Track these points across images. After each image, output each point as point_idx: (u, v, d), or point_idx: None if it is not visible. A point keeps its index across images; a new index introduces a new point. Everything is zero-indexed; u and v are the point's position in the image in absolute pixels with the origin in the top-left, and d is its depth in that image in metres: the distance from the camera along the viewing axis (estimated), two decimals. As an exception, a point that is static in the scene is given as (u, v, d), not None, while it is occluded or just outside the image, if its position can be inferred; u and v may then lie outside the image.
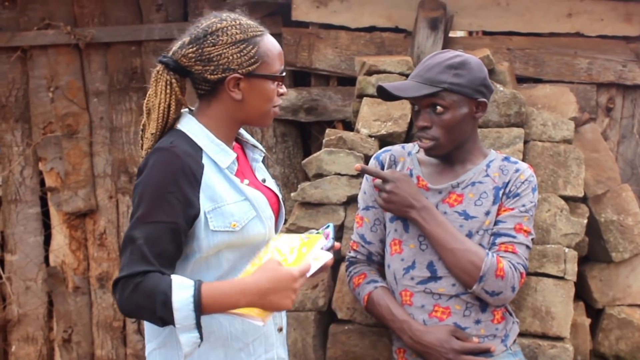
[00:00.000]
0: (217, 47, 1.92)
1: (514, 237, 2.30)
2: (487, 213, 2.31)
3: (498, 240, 2.31)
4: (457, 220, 2.31)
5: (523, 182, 2.33)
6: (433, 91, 2.23)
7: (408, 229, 2.36)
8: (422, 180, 2.38)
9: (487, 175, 2.35)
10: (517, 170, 2.36)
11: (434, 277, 2.32)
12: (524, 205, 2.31)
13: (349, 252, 2.64)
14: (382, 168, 2.48)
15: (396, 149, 2.53)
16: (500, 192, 2.33)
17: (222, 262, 1.96)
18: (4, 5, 4.12)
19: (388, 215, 2.42)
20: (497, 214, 2.32)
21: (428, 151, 2.32)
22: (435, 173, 2.39)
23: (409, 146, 2.51)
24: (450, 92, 2.23)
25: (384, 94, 2.33)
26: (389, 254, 2.42)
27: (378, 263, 2.56)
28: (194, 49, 1.93)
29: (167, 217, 1.82)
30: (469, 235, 2.30)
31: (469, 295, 2.31)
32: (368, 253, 2.55)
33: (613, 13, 3.65)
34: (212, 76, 1.93)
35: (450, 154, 2.35)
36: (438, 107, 2.24)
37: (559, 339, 2.86)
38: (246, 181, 2.02)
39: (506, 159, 2.41)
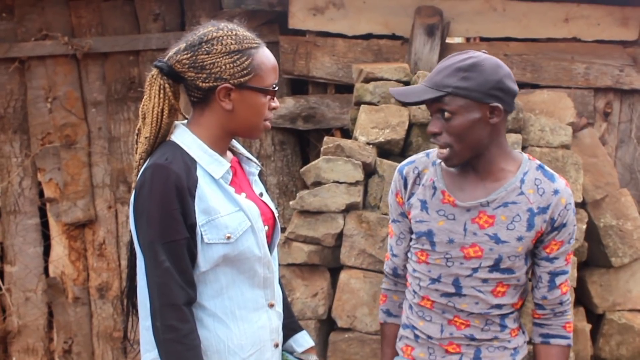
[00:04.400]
0: (210, 55, 1.93)
1: (567, 272, 2.29)
2: (520, 239, 2.19)
3: (558, 281, 2.29)
4: (487, 243, 2.20)
5: (565, 207, 2.19)
6: (436, 96, 2.10)
7: (435, 246, 2.26)
8: (448, 195, 2.23)
9: (522, 193, 2.18)
10: (555, 193, 2.19)
11: (459, 294, 2.27)
12: (570, 234, 2.23)
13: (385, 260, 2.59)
14: (405, 183, 2.35)
15: (420, 159, 2.36)
16: (538, 219, 2.18)
17: (219, 276, 1.96)
18: (1, 17, 4.13)
19: (414, 229, 2.31)
20: (546, 247, 2.24)
21: (445, 162, 2.18)
22: (463, 186, 2.23)
23: (434, 154, 2.32)
24: (455, 97, 2.09)
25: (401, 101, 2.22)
26: (416, 261, 2.33)
27: (403, 277, 2.49)
28: (188, 55, 1.94)
29: (179, 235, 1.88)
30: (499, 259, 2.21)
31: (491, 314, 2.28)
32: (394, 267, 2.48)
33: (610, 18, 3.66)
34: (204, 84, 1.94)
35: (473, 162, 2.19)
36: (446, 113, 2.11)
37: (559, 344, 2.85)
38: (243, 194, 2.02)
39: (540, 168, 2.23)
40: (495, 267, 2.23)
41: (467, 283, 2.25)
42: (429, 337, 2.33)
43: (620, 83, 3.68)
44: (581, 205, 3.15)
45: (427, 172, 2.32)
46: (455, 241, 2.24)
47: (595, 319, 3.26)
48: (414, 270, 2.35)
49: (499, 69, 2.15)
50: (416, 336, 2.37)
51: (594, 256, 3.24)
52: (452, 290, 2.27)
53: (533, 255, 2.29)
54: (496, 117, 2.14)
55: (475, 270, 2.24)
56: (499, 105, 2.12)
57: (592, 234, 3.17)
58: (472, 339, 2.30)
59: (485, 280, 2.25)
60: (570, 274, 2.87)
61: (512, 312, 2.32)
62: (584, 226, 3.04)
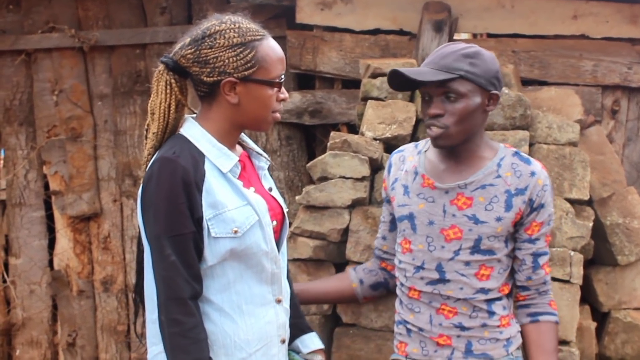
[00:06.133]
0: (213, 49, 1.92)
1: (547, 253, 2.38)
2: (499, 219, 2.26)
3: (541, 261, 2.36)
4: (466, 224, 2.27)
5: (543, 188, 2.28)
6: (450, 77, 2.17)
7: (416, 229, 2.33)
8: (427, 178, 2.32)
9: (499, 176, 2.28)
10: (532, 174, 2.28)
11: (442, 280, 2.31)
12: (549, 215, 2.33)
13: None
14: (390, 169, 2.48)
15: (409, 147, 2.49)
16: (517, 200, 2.27)
17: (226, 271, 1.96)
18: (8, 9, 4.12)
19: (397, 213, 2.41)
20: (528, 229, 2.32)
21: (436, 140, 2.24)
22: (442, 171, 2.32)
23: (422, 144, 2.46)
24: (466, 80, 2.18)
25: (394, 83, 2.28)
26: (401, 252, 2.41)
27: (379, 258, 2.65)
28: (192, 50, 1.94)
29: (186, 228, 1.88)
30: (479, 239, 2.27)
31: (476, 300, 2.31)
32: (375, 247, 2.65)
33: (618, 15, 3.64)
34: (208, 78, 1.94)
35: (458, 148, 2.28)
36: (452, 96, 2.19)
37: (564, 342, 2.85)
38: (252, 188, 2.01)
39: (516, 154, 2.33)
40: (475, 248, 2.29)
41: (450, 267, 2.31)
42: (420, 329, 2.37)
43: (629, 81, 3.67)
44: (588, 203, 3.14)
45: (411, 159, 2.43)
46: (435, 223, 2.32)
47: (601, 317, 3.25)
48: (400, 262, 2.42)
49: (495, 60, 2.27)
50: (408, 330, 2.41)
51: (600, 254, 3.23)
52: (436, 276, 2.32)
53: (514, 240, 2.36)
54: (492, 104, 2.25)
55: (456, 252, 2.30)
56: (497, 93, 2.24)
57: (599, 231, 3.16)
58: (462, 327, 2.32)
59: (467, 263, 2.30)
60: (576, 272, 2.88)
61: (499, 299, 2.36)
62: (591, 224, 3.02)
